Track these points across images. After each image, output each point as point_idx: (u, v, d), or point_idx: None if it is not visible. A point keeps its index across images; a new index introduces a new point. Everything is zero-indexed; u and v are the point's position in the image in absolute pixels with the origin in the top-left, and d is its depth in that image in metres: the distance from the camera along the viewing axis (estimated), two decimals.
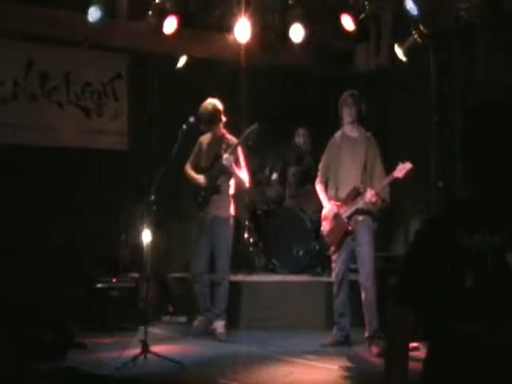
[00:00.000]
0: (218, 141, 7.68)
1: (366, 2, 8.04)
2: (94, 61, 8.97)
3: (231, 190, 7.71)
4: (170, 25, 8.02)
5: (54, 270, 8.07)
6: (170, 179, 7.28)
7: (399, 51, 7.93)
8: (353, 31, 8.09)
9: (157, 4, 8.09)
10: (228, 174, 7.59)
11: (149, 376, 6.11)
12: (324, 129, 8.00)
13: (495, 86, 7.48)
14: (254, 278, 8.87)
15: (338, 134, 7.29)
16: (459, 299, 2.33)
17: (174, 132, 7.66)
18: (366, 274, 6.95)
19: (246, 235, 9.40)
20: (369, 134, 7.20)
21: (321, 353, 6.88)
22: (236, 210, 7.79)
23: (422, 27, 7.67)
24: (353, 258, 7.17)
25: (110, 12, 8.07)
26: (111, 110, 9.16)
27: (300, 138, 9.48)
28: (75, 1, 8.13)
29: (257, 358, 6.78)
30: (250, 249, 9.46)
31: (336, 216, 7.07)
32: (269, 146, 9.48)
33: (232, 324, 7.92)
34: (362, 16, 8.14)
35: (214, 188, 7.63)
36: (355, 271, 7.18)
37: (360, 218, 7.00)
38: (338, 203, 7.10)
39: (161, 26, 8.04)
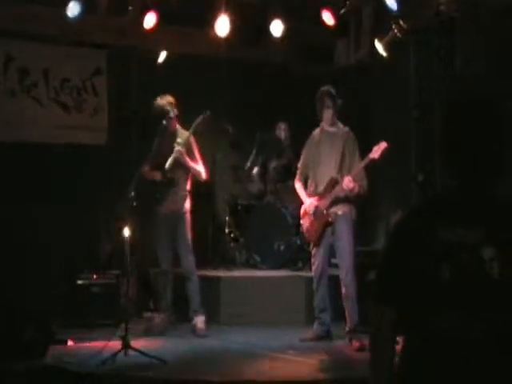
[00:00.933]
0: (172, 135, 7.68)
1: None
2: (73, 56, 8.90)
3: (188, 186, 7.73)
4: (150, 20, 7.99)
5: (34, 266, 8.02)
6: None
7: (379, 46, 7.94)
8: (333, 26, 8.12)
9: None
10: (181, 166, 7.58)
11: (129, 372, 6.08)
12: (304, 123, 7.99)
13: (475, 81, 7.50)
14: (235, 273, 8.87)
15: (316, 132, 7.30)
16: (435, 294, 2.33)
17: (154, 128, 7.68)
18: (345, 269, 6.96)
19: (226, 230, 9.40)
20: (347, 128, 7.21)
21: (302, 348, 6.89)
22: (192, 205, 7.75)
23: (401, 22, 7.68)
24: (333, 252, 7.19)
25: (90, 7, 8.01)
26: (91, 105, 9.10)
27: (281, 132, 9.47)
28: None
29: (238, 354, 6.78)
30: (231, 244, 9.46)
31: (316, 210, 7.07)
32: (249, 141, 9.47)
33: (213, 319, 7.92)
34: (343, 11, 8.16)
35: (170, 181, 7.62)
36: (336, 266, 7.20)
37: (339, 212, 7.01)
38: (317, 197, 7.11)
39: (141, 21, 8.02)
